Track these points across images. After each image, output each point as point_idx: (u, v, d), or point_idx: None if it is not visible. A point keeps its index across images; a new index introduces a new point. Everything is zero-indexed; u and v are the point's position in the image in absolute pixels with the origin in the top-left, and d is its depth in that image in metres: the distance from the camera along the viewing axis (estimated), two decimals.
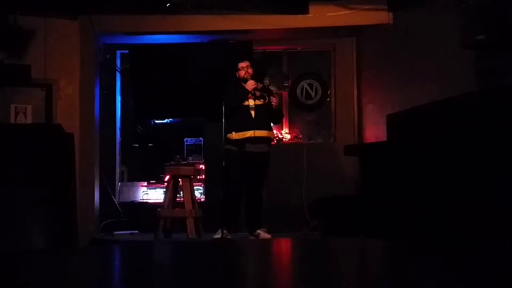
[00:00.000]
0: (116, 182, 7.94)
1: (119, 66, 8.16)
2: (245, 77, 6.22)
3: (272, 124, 6.61)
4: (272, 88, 7.78)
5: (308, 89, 8.01)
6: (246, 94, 6.14)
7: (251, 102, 6.15)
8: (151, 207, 7.29)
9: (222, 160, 6.06)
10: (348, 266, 2.26)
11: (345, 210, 5.67)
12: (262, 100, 6.18)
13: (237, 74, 6.29)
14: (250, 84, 6.14)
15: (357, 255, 2.72)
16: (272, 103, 6.17)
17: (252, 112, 6.13)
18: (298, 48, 8.19)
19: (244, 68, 6.26)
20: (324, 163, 7.51)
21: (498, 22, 4.84)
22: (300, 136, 7.92)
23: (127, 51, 7.93)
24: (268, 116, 6.25)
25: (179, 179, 6.44)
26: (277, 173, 7.04)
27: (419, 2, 6.47)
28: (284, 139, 7.84)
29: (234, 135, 6.07)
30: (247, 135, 6.05)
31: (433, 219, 4.31)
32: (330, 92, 8.05)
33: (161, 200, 6.98)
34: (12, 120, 6.84)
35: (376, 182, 5.58)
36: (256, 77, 6.33)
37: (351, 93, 7.86)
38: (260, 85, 6.28)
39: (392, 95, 6.98)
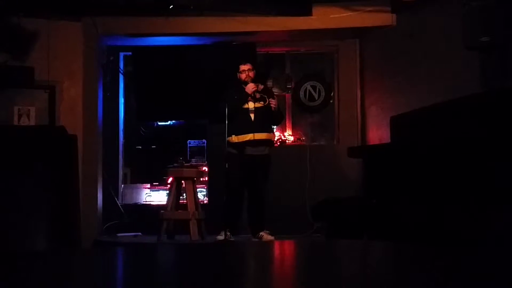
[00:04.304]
0: (119, 184, 7.94)
1: (122, 68, 8.16)
2: (245, 80, 6.21)
3: (274, 126, 6.59)
4: (275, 90, 7.78)
5: (311, 91, 7.99)
6: (246, 97, 6.14)
7: (250, 105, 6.15)
8: (154, 209, 7.28)
9: (225, 162, 6.07)
10: (351, 268, 2.25)
11: (348, 212, 5.66)
12: (262, 102, 6.18)
13: (238, 76, 6.29)
14: (250, 87, 6.13)
15: (360, 257, 2.71)
16: (271, 105, 6.16)
17: (252, 115, 6.13)
18: (301, 50, 8.18)
19: (245, 71, 6.24)
20: (327, 165, 7.49)
21: (502, 23, 4.82)
22: (303, 138, 7.90)
23: (130, 53, 7.93)
24: (268, 118, 6.24)
25: (182, 181, 6.44)
26: (280, 175, 7.03)
27: (423, 3, 6.45)
28: (287, 141, 7.83)
29: (234, 138, 6.07)
30: (247, 138, 6.05)
31: (436, 221, 4.30)
32: (333, 94, 8.04)
33: (164, 202, 6.97)
34: (16, 122, 6.84)
35: (379, 184, 5.57)
36: (257, 79, 6.31)
37: (355, 95, 7.85)
38: (260, 87, 6.26)
39: (396, 97, 6.97)
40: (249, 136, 6.05)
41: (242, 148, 6.08)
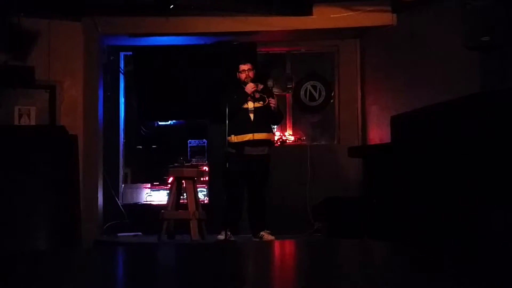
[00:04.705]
0: (120, 184, 7.94)
1: (122, 68, 8.16)
2: (245, 80, 6.18)
3: (274, 126, 6.56)
4: (275, 90, 7.77)
5: (312, 90, 7.99)
6: (245, 97, 6.12)
7: (250, 105, 6.13)
8: (154, 209, 7.28)
9: (225, 162, 6.06)
10: (351, 268, 2.25)
11: (348, 212, 5.66)
12: (261, 102, 6.15)
13: (238, 75, 6.27)
14: (250, 87, 6.11)
15: (360, 257, 2.71)
16: (271, 104, 6.13)
17: (251, 115, 6.11)
18: (302, 49, 8.18)
19: (245, 71, 6.21)
20: (328, 164, 7.49)
21: (502, 23, 4.82)
22: (304, 138, 7.90)
23: (131, 53, 7.93)
24: (268, 117, 6.22)
25: (183, 181, 6.44)
26: (280, 175, 7.03)
27: (423, 3, 6.45)
28: (287, 141, 7.83)
29: (234, 138, 6.06)
30: (246, 138, 6.04)
31: (436, 221, 4.30)
32: (334, 94, 8.04)
33: (165, 202, 6.97)
34: (16, 122, 6.84)
35: (380, 184, 5.57)
36: (257, 79, 6.28)
37: (355, 94, 7.85)
38: (260, 86, 6.23)
39: (396, 97, 6.97)
40: (248, 136, 6.04)
41: (242, 148, 6.07)
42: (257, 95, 6.16)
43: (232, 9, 7.01)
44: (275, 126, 7.40)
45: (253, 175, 6.13)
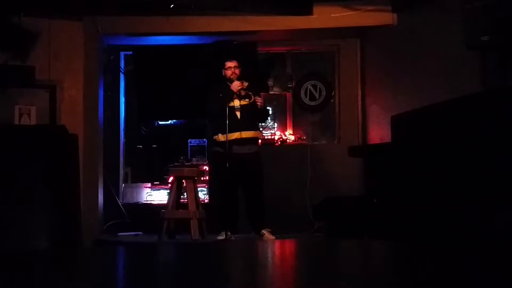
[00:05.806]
0: (120, 183, 7.94)
1: (123, 67, 8.16)
2: (231, 77, 6.15)
3: (264, 124, 6.53)
4: (276, 89, 7.78)
5: (312, 90, 7.99)
6: (231, 95, 6.09)
7: (236, 103, 6.10)
8: (154, 209, 7.28)
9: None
10: (351, 268, 2.25)
11: (348, 211, 5.66)
12: (247, 100, 6.13)
13: (223, 72, 6.24)
14: (236, 85, 6.08)
15: (360, 257, 2.71)
16: (258, 103, 6.11)
17: (238, 113, 6.08)
18: (302, 49, 8.18)
19: (231, 68, 6.19)
20: (328, 164, 7.50)
21: (503, 22, 4.82)
22: (304, 137, 7.90)
23: (131, 52, 7.94)
24: (254, 115, 6.21)
25: (183, 180, 6.44)
26: (281, 174, 7.02)
27: (424, 3, 6.46)
28: (288, 141, 7.83)
29: (220, 137, 6.03)
30: (234, 137, 6.00)
31: (436, 220, 4.30)
32: (334, 93, 8.04)
33: (165, 202, 6.98)
34: (16, 122, 6.85)
35: (380, 184, 5.57)
36: (242, 76, 6.23)
37: (355, 94, 7.85)
38: (245, 84, 6.18)
39: (396, 96, 6.97)
40: (235, 135, 6.01)
41: (229, 147, 6.02)
42: (243, 93, 6.13)
43: (232, 8, 7.02)
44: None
45: (247, 176, 6.11)
